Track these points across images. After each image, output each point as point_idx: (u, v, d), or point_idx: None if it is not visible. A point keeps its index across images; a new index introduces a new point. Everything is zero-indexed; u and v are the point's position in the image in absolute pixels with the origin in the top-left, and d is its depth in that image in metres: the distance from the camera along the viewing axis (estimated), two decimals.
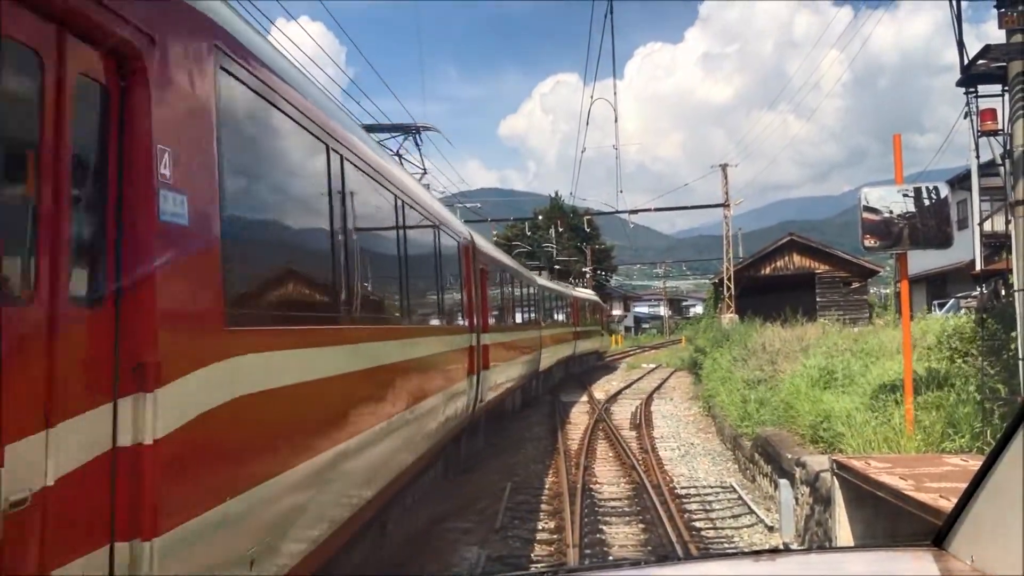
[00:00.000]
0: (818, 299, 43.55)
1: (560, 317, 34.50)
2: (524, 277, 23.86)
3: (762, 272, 45.67)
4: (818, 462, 10.06)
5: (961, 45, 10.95)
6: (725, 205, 43.30)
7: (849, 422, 11.44)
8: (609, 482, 14.67)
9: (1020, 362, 9.93)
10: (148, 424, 3.26)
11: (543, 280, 31.96)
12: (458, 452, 14.48)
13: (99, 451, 3.14)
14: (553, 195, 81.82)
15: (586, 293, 49.79)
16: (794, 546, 9.93)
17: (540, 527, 11.88)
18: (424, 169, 16.04)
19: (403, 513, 9.96)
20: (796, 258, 45.43)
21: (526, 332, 22.74)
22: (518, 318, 21.91)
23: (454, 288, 12.86)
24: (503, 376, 17.07)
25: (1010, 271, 10.64)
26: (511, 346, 19.00)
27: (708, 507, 12.73)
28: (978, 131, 11.01)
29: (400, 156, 14.40)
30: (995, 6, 10.51)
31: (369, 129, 11.29)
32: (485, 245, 17.08)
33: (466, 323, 13.14)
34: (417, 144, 15.41)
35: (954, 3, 10.81)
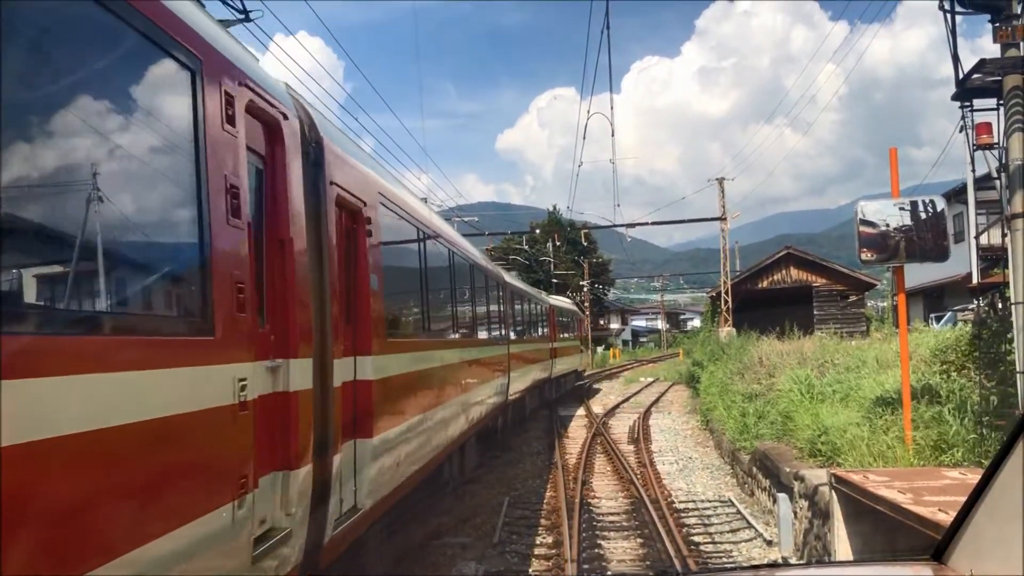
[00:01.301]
0: (815, 312, 43.52)
1: (535, 329, 27.20)
2: (478, 264, 15.56)
3: (759, 285, 45.66)
4: (816, 476, 10.04)
5: (956, 59, 11.00)
6: (722, 219, 43.35)
7: (846, 436, 11.43)
8: (607, 496, 14.62)
9: (1018, 375, 9.93)
10: None
11: (512, 279, 23.35)
12: None
13: None
14: (551, 209, 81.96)
15: (562, 300, 42.35)
16: (793, 560, 9.92)
17: (538, 542, 11.83)
18: None
19: None
20: (793, 271, 45.42)
21: (483, 350, 14.94)
22: (467, 327, 13.90)
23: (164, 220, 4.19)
24: (420, 440, 8.96)
25: (1007, 284, 10.65)
26: (448, 376, 10.93)
27: (706, 521, 12.69)
28: (974, 145, 11.04)
29: None
30: (989, 20, 10.58)
31: None
32: (351, 149, 7.55)
33: (221, 332, 4.25)
34: None
35: (949, 18, 10.86)
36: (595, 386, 44.86)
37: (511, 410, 21.25)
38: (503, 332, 18.88)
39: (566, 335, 36.40)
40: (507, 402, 18.94)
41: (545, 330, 29.67)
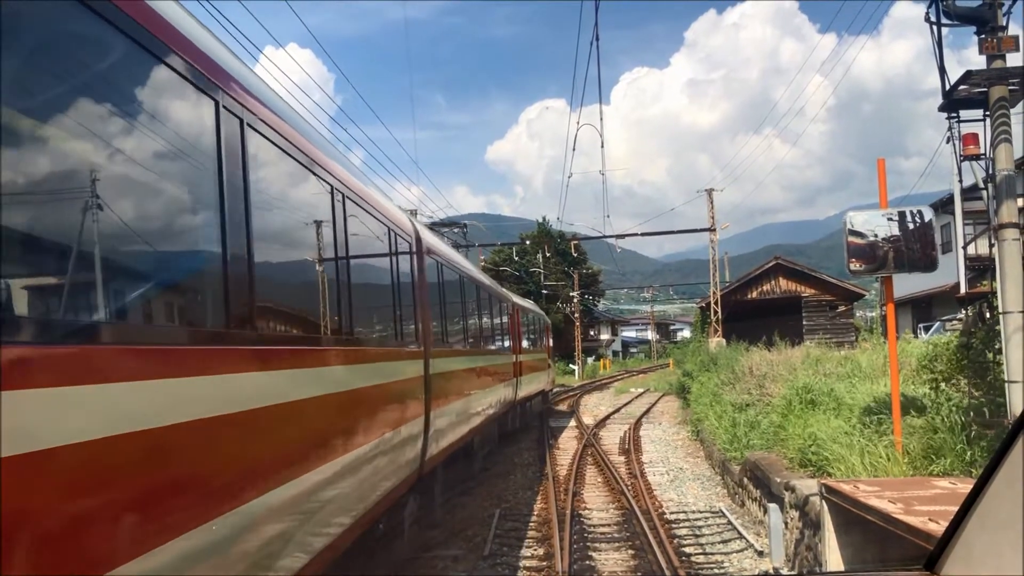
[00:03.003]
0: (804, 322, 43.75)
1: (490, 337, 18.75)
2: (347, 188, 7.26)
3: (749, 296, 45.87)
4: (807, 486, 10.04)
5: (943, 71, 11.09)
6: (711, 229, 43.52)
7: (836, 445, 11.45)
8: (598, 508, 14.58)
9: (1006, 384, 9.97)
10: None
11: (442, 244, 14.15)
12: None
13: None
14: (541, 220, 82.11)
15: (526, 302, 32.23)
16: (784, 571, 9.91)
17: (529, 553, 11.79)
18: None
19: None
20: (782, 282, 45.68)
21: (364, 372, 7.40)
22: (311, 321, 6.26)
23: None
24: None
25: (994, 294, 10.71)
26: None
27: (698, 532, 12.67)
28: (961, 156, 11.12)
29: None
30: (975, 32, 10.68)
31: None
32: None
33: None
34: None
35: (935, 30, 10.95)
36: (586, 397, 44.80)
37: (438, 476, 12.30)
38: (418, 338, 9.98)
39: (531, 345, 28.68)
40: (424, 467, 9.90)
41: (506, 340, 21.94)
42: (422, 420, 9.50)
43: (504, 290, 25.05)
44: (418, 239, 10.83)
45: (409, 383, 9.13)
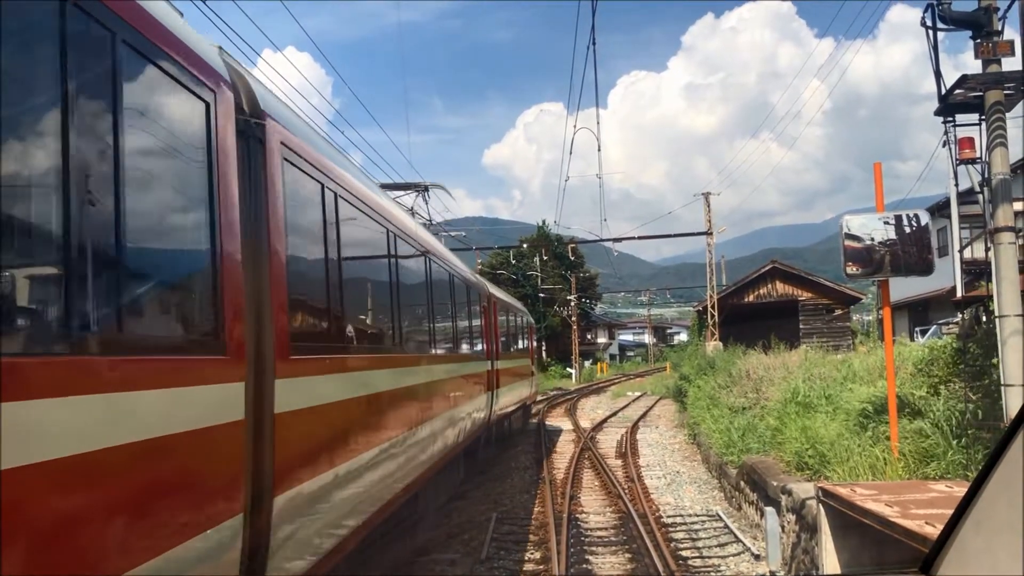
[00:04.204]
0: (801, 326, 43.80)
1: (452, 337, 13.44)
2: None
3: (745, 299, 45.88)
4: (804, 489, 10.05)
5: (938, 75, 11.12)
6: (708, 233, 43.53)
7: (833, 448, 11.45)
8: (595, 511, 14.58)
9: (1002, 388, 9.99)
10: None
11: (354, 167, 8.14)
12: None
13: None
14: (540, 224, 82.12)
15: (507, 295, 26.69)
16: (781, 575, 9.91)
17: (526, 557, 11.78)
18: None
19: None
20: (779, 285, 45.71)
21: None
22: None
23: None
24: None
25: (991, 298, 10.73)
26: None
27: (694, 536, 12.67)
28: (957, 160, 11.14)
29: None
30: (971, 37, 10.71)
31: None
32: None
33: None
34: None
35: (931, 34, 10.98)
36: (583, 400, 44.80)
37: None
38: (227, 338, 4.25)
39: (515, 349, 24.33)
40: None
41: (478, 342, 17.12)
42: (238, 522, 4.31)
43: (477, 276, 19.94)
44: (254, 116, 5.07)
45: (171, 448, 3.67)
